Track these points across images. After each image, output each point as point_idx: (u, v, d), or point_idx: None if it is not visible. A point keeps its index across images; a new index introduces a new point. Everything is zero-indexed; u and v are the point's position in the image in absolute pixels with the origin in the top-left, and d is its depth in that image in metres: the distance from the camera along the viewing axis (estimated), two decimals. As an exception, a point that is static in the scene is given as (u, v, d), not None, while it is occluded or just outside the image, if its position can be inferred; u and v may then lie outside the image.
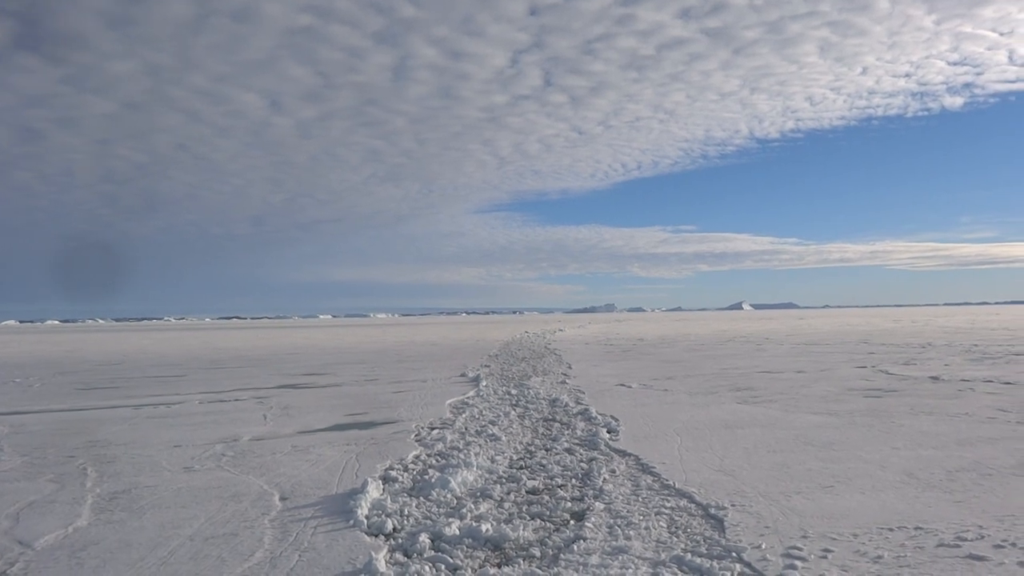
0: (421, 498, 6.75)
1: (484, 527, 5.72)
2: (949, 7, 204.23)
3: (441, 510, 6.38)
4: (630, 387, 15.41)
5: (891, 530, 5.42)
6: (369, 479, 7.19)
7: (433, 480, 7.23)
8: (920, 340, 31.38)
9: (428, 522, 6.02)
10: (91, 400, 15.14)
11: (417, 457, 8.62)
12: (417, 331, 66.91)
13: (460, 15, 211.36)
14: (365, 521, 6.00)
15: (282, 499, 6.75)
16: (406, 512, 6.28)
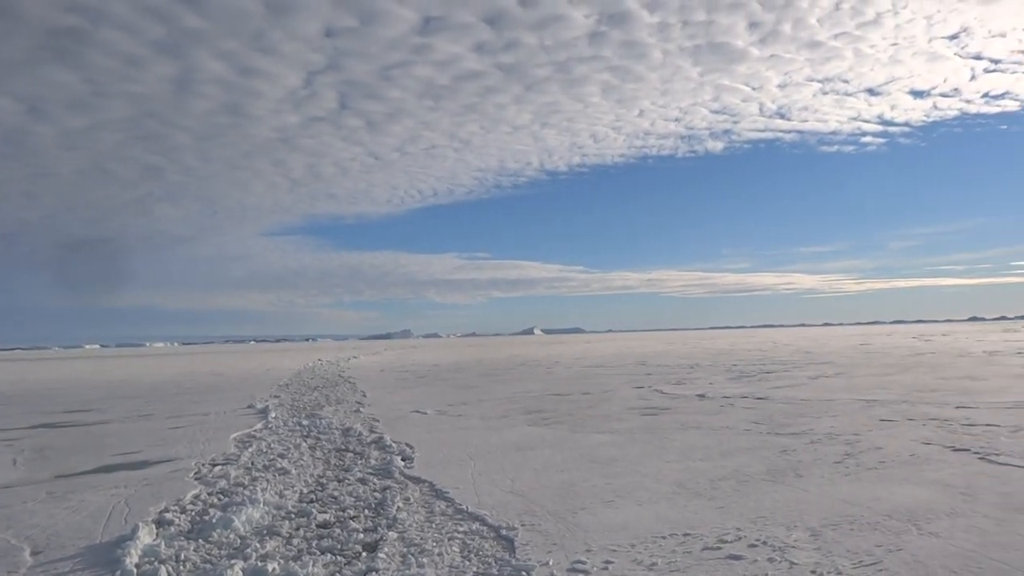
0: (201, 540, 6.29)
1: (270, 566, 5.45)
2: (711, 62, 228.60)
3: (223, 552, 5.99)
4: (425, 413, 15.44)
5: (664, 538, 5.86)
6: (140, 524, 6.60)
7: (214, 520, 6.77)
8: (689, 361, 34.34)
9: (208, 566, 5.63)
10: None
11: (197, 496, 8.04)
12: (200, 361, 62.60)
13: (250, 30, 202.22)
14: (135, 571, 5.49)
15: (34, 554, 6.00)
16: (183, 557, 5.83)
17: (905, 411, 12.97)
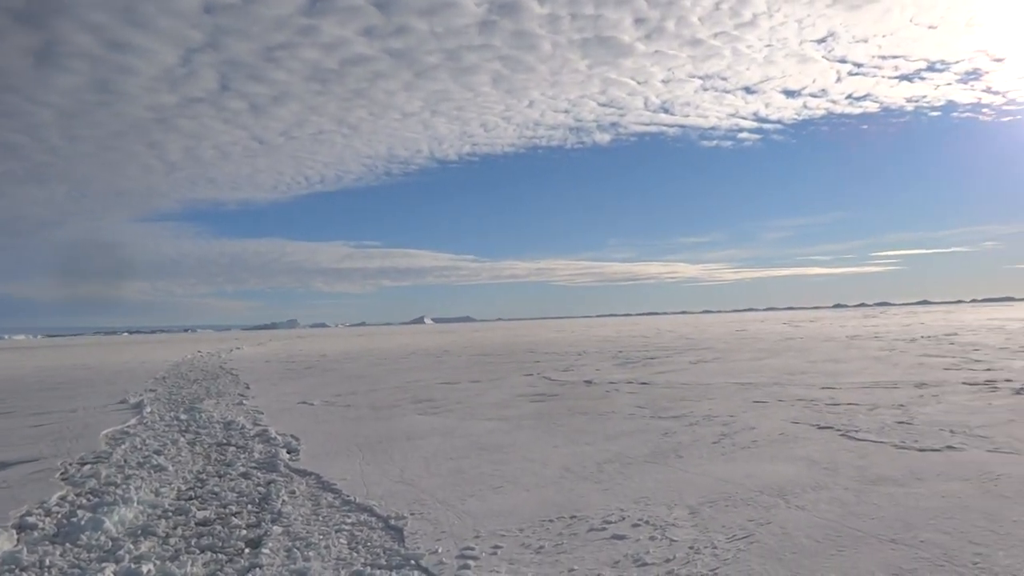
0: (68, 544, 5.93)
1: (145, 568, 5.21)
2: (599, 55, 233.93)
3: (92, 555, 5.67)
4: (312, 404, 15.11)
5: (551, 521, 5.98)
6: (-2, 529, 6.14)
7: (83, 522, 6.40)
8: (577, 348, 35.09)
9: (76, 571, 5.31)
10: None
11: (63, 498, 7.56)
12: (67, 354, 58.68)
13: (120, 2, 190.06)
14: (-8, 579, 5.11)
15: None
16: (48, 563, 5.48)
17: (776, 393, 13.76)
